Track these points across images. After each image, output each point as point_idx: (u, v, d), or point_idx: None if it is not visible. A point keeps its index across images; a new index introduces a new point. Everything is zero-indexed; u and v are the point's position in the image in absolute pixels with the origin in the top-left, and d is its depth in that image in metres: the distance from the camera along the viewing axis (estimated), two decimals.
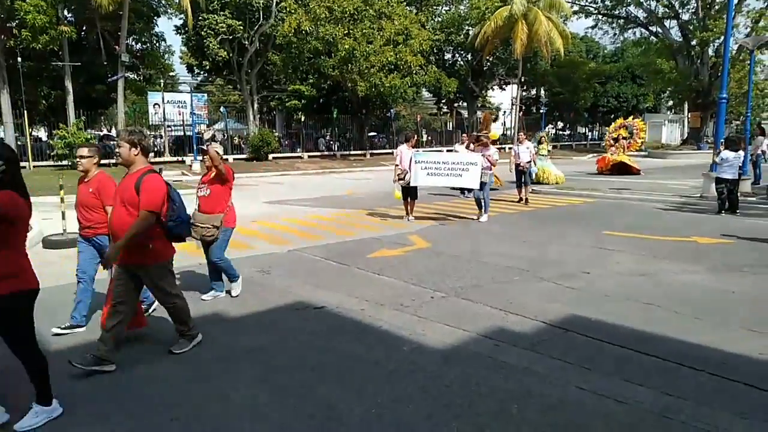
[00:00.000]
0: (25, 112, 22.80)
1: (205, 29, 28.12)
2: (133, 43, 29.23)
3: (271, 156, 28.83)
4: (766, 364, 4.05)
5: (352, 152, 33.17)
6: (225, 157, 28.55)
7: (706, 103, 34.57)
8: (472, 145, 13.70)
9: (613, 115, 27.99)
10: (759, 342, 4.44)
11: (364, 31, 26.36)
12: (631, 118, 22.66)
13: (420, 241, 8.75)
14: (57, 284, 6.21)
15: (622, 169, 20.30)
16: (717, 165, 11.63)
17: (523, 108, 44.33)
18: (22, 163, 22.36)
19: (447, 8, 37.94)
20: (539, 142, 17.51)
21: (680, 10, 35.48)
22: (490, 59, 38.43)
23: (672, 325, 4.85)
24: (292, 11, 26.81)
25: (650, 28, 37.84)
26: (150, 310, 5.29)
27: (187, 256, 7.67)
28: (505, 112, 49.10)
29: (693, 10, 34.64)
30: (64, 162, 22.71)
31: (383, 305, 5.50)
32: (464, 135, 18.36)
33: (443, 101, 42.70)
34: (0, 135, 23.79)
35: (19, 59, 22.86)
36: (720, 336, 4.58)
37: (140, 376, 3.98)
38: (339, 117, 33.66)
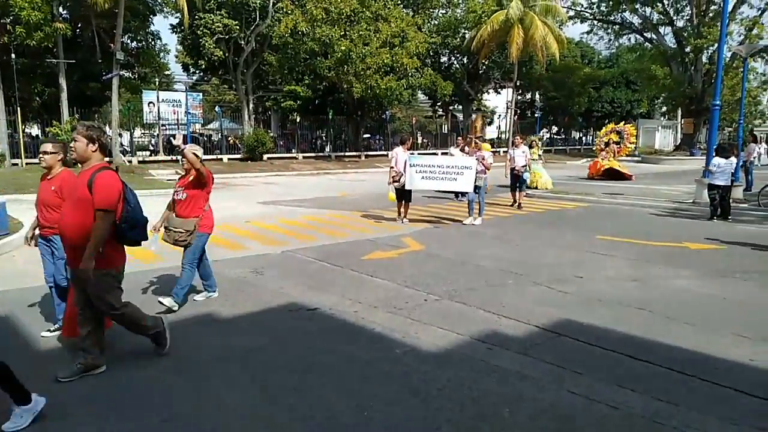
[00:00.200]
0: (19, 109, 22.61)
1: (201, 28, 28.05)
2: (129, 41, 29.11)
3: (265, 156, 28.79)
4: (756, 370, 4.08)
5: (347, 154, 33.16)
6: (220, 157, 28.60)
7: (700, 109, 34.84)
8: (467, 148, 13.73)
9: (607, 120, 28.15)
10: (749, 348, 4.47)
11: (360, 32, 26.39)
12: (622, 123, 22.78)
13: (414, 244, 8.75)
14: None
15: (613, 174, 20.40)
16: (709, 172, 11.72)
17: (518, 112, 44.54)
18: (15, 161, 22.26)
19: (443, 11, 38.03)
20: (530, 146, 17.56)
21: (675, 17, 35.77)
22: (486, 63, 38.56)
23: (663, 330, 4.87)
24: (289, 12, 26.82)
25: (645, 34, 38.12)
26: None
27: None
28: (500, 115, 49.28)
29: (687, 18, 34.92)
30: None
31: (377, 307, 5.49)
32: (459, 138, 18.40)
33: (439, 104, 42.80)
34: None
35: (13, 56, 22.69)
36: (711, 342, 4.61)
37: (132, 378, 3.96)
38: (334, 118, 33.66)
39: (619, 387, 3.78)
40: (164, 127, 29.84)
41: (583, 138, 52.80)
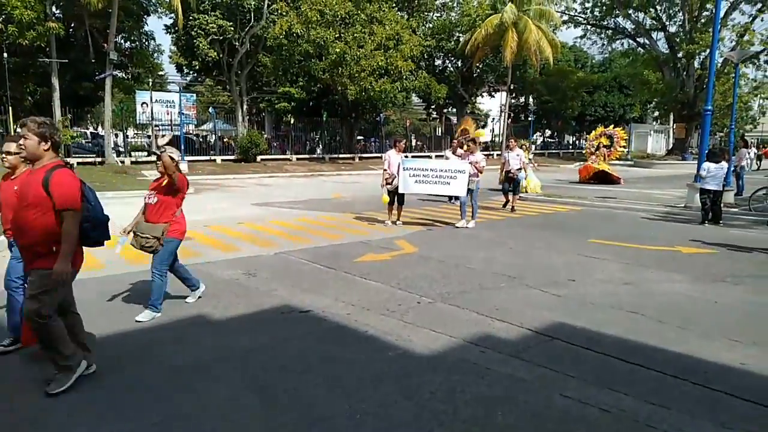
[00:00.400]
0: (10, 108, 22.44)
1: (195, 29, 27.97)
2: (122, 41, 28.97)
3: (259, 158, 28.72)
4: (747, 374, 4.10)
5: (341, 156, 33.14)
6: (213, 158, 28.47)
7: (691, 114, 35.09)
8: (459, 150, 13.75)
9: (600, 125, 28.28)
10: (741, 352, 4.49)
11: (355, 35, 26.41)
12: (611, 126, 22.89)
13: (407, 246, 8.75)
14: None
15: (603, 177, 20.47)
16: (699, 177, 11.80)
17: (512, 115, 44.71)
18: None
19: (438, 15, 38.13)
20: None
21: (667, 23, 36.04)
22: (480, 66, 38.69)
23: (656, 333, 4.88)
24: (284, 13, 26.79)
25: (638, 39, 38.37)
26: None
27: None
28: (493, 119, 49.42)
29: (680, 23, 35.19)
30: None
31: (369, 310, 5.48)
32: (454, 141, 18.43)
33: (433, 107, 42.90)
34: None
35: (5, 55, 22.54)
36: (702, 345, 4.63)
37: (121, 380, 3.93)
38: (329, 120, 33.65)
39: (611, 390, 3.78)
40: (157, 128, 29.72)
41: (577, 142, 53.05)
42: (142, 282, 6.39)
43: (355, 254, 8.07)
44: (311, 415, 3.44)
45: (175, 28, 28.94)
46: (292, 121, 33.83)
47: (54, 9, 24.52)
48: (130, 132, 33.28)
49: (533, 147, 27.75)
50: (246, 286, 6.38)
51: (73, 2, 23.53)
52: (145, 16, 29.11)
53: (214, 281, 6.52)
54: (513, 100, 45.81)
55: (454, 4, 37.61)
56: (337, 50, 25.68)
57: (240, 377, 3.98)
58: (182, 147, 24.59)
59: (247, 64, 31.59)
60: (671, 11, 36.03)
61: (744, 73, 35.41)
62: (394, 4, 30.58)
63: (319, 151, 33.43)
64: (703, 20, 33.15)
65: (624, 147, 23.14)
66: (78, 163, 23.74)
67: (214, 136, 32.48)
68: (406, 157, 13.06)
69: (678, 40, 34.76)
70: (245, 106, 32.90)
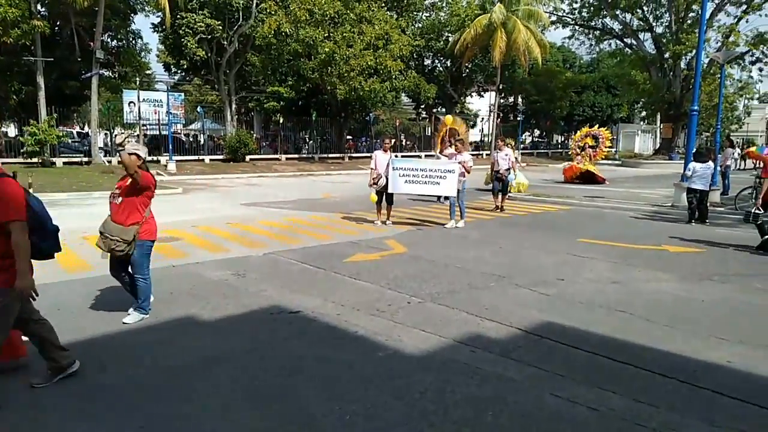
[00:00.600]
0: None
1: (183, 28, 27.77)
2: (109, 39, 28.72)
3: (248, 157, 28.59)
4: (734, 372, 4.14)
5: (331, 155, 33.07)
6: (202, 157, 28.26)
7: (678, 114, 35.46)
8: (447, 150, 13.75)
9: (588, 124, 28.48)
10: (727, 350, 4.53)
11: (344, 34, 26.37)
12: (597, 127, 23.03)
13: (397, 246, 8.74)
14: None
15: (588, 177, 20.57)
16: (685, 176, 11.91)
17: (501, 115, 44.87)
18: None
19: (427, 14, 38.17)
20: None
21: (654, 24, 36.39)
22: (469, 66, 38.80)
23: (644, 332, 4.92)
24: (272, 12, 26.67)
25: (625, 40, 38.71)
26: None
27: (162, 257, 7.53)
28: (483, 118, 49.59)
29: (666, 24, 35.55)
30: (35, 159, 22.19)
31: (359, 310, 5.46)
32: (447, 141, 18.43)
33: (422, 106, 42.95)
34: None
35: None
36: (690, 344, 4.66)
37: (109, 383, 3.88)
38: (318, 120, 33.56)
39: (600, 389, 3.80)
40: (145, 127, 29.48)
41: (565, 141, 53.38)
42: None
43: (344, 254, 8.05)
44: (300, 417, 3.42)
45: (163, 26, 28.73)
46: (281, 121, 33.71)
47: (39, 7, 24.26)
48: (117, 131, 32.96)
49: (519, 146, 27.90)
50: (235, 286, 6.34)
51: (58, 0, 23.26)
52: (132, 15, 28.90)
53: (203, 282, 6.47)
54: (502, 100, 46.00)
55: (443, 4, 37.67)
56: (327, 50, 25.62)
57: (228, 379, 3.94)
58: (170, 147, 24.44)
59: (236, 63, 31.44)
60: (658, 12, 36.40)
61: (729, 74, 35.83)
62: (383, 4, 30.58)
63: (305, 150, 33.36)
64: (689, 21, 33.51)
65: (609, 147, 23.27)
66: (64, 163, 23.53)
67: (202, 136, 32.28)
68: (396, 156, 13.03)
69: (665, 40, 35.11)
70: (234, 106, 32.75)
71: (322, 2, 25.68)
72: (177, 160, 24.78)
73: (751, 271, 7.43)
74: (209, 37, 28.29)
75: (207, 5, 28.28)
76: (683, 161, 14.80)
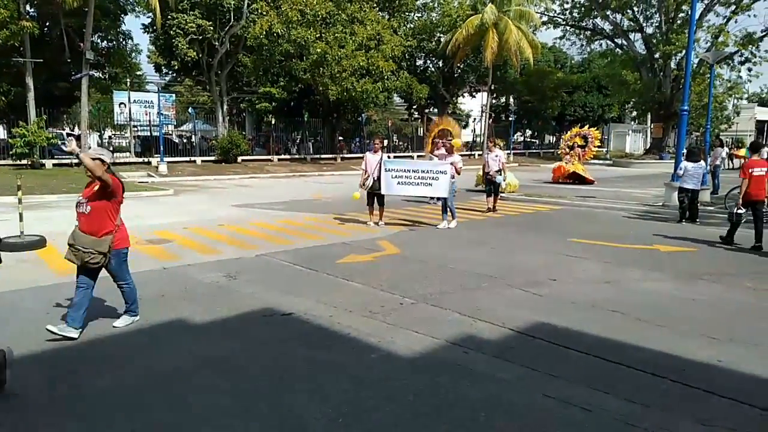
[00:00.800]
0: None
1: (173, 28, 27.60)
2: (99, 40, 28.50)
3: (240, 158, 28.49)
4: (725, 371, 4.16)
5: (323, 156, 33.02)
6: (193, 159, 28.11)
7: (668, 114, 35.68)
8: (437, 150, 13.77)
9: (579, 124, 28.62)
10: (718, 349, 4.56)
11: (336, 35, 26.34)
12: (586, 126, 23.12)
13: (390, 247, 8.73)
14: (9, 289, 5.98)
15: (577, 178, 20.63)
16: (677, 176, 11.98)
17: (493, 115, 45.00)
18: None
19: (419, 15, 38.20)
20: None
21: (644, 24, 36.61)
22: (461, 66, 38.87)
23: (636, 332, 4.93)
24: (264, 13, 26.57)
25: (616, 40, 38.91)
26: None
27: (154, 259, 7.49)
28: (475, 119, 49.70)
29: (656, 24, 35.76)
30: (24, 161, 21.99)
31: (352, 312, 5.45)
32: (439, 142, 18.44)
33: (414, 107, 42.97)
34: None
35: None
36: (681, 343, 4.68)
37: (100, 388, 3.84)
38: (310, 120, 33.49)
39: (593, 389, 3.81)
40: (136, 128, 29.32)
41: (557, 141, 53.58)
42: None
43: (337, 255, 8.03)
44: (292, 420, 3.40)
45: (153, 27, 28.55)
46: (273, 122, 33.62)
47: (28, 7, 24.04)
48: (108, 132, 32.76)
49: (511, 146, 27.89)
50: (227, 289, 6.30)
51: (47, 1, 23.08)
52: (122, 15, 28.69)
53: (195, 284, 6.43)
54: (494, 101, 46.12)
55: (435, 5, 37.73)
56: (318, 50, 25.58)
57: (219, 382, 3.91)
58: (161, 148, 24.31)
59: (227, 64, 31.30)
60: (648, 13, 36.61)
61: (719, 74, 36.08)
62: (375, 5, 30.56)
63: (294, 150, 33.34)
64: (679, 22, 33.73)
65: (598, 147, 23.34)
66: (54, 165, 23.33)
67: (194, 136, 32.14)
68: (389, 157, 13.01)
69: (655, 41, 35.33)
70: (225, 107, 32.59)
71: (313, 3, 25.63)
72: (168, 162, 24.65)
73: (741, 270, 7.48)
74: (200, 37, 28.14)
75: (198, 6, 28.13)
76: (674, 161, 14.89)
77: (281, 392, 3.76)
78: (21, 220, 8.50)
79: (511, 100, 49.32)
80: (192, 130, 33.58)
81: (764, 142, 39.14)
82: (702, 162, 11.94)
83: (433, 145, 16.09)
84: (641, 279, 6.89)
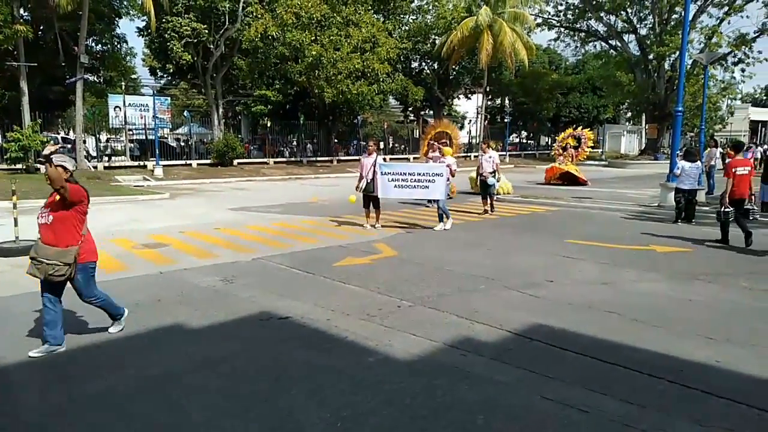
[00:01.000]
0: None
1: (168, 32, 27.59)
2: (93, 44, 28.45)
3: (236, 161, 28.45)
4: (722, 372, 4.17)
5: (319, 158, 33.02)
6: (189, 162, 28.04)
7: (663, 115, 35.84)
8: (433, 153, 13.78)
9: (574, 126, 28.75)
10: (715, 349, 4.57)
11: (331, 37, 26.36)
12: (579, 128, 23.19)
13: (386, 249, 8.73)
14: (4, 294, 5.95)
15: (570, 179, 20.66)
16: (674, 176, 12.02)
17: (488, 117, 45.08)
18: None
19: (414, 17, 38.30)
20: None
21: (638, 26, 36.76)
22: (456, 68, 38.97)
23: (632, 333, 4.94)
24: (259, 16, 26.59)
25: (610, 41, 39.05)
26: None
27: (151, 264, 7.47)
28: (470, 120, 49.81)
29: (650, 26, 35.91)
30: (19, 165, 21.90)
31: (349, 315, 5.44)
32: (435, 143, 18.46)
33: (410, 109, 43.06)
34: None
35: None
36: (678, 344, 4.69)
37: (95, 392, 3.83)
38: (306, 123, 33.50)
39: (591, 391, 3.81)
40: (131, 132, 29.23)
41: (553, 142, 53.70)
42: (117, 289, 6.26)
43: (334, 258, 8.03)
44: (290, 425, 3.39)
45: (148, 30, 28.52)
46: (268, 125, 33.62)
47: (22, 11, 23.98)
48: (103, 136, 32.66)
49: (507, 148, 27.87)
50: (224, 292, 6.29)
51: (41, 4, 23.04)
52: (117, 19, 28.67)
53: (191, 289, 6.42)
54: (489, 102, 46.23)
55: (430, 7, 37.82)
56: (314, 53, 25.59)
57: (217, 387, 3.90)
58: (157, 151, 24.24)
59: (222, 67, 31.30)
60: (642, 14, 36.75)
61: (713, 75, 36.31)
62: (369, 7, 30.62)
63: (287, 153, 33.37)
64: (672, 23, 33.88)
65: (593, 148, 23.42)
66: None
67: (191, 139, 32.10)
68: (384, 160, 13.04)
69: (648, 42, 35.48)
70: (221, 110, 32.58)
71: (308, 6, 25.66)
72: (164, 165, 24.60)
73: (737, 270, 7.50)
74: (195, 41, 28.14)
75: (193, 9, 28.12)
76: (668, 161, 14.94)
77: (279, 396, 3.75)
78: (16, 225, 8.47)
79: (507, 101, 49.45)
80: (188, 133, 33.46)
81: (759, 142, 39.25)
82: (698, 162, 11.99)
83: (428, 147, 16.13)
84: (637, 280, 6.91)
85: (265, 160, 30.94)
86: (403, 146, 40.85)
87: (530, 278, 6.89)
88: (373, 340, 4.75)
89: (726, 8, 32.68)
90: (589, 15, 37.56)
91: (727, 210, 9.07)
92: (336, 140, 37.10)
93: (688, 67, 31.62)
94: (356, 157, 31.95)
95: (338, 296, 6.12)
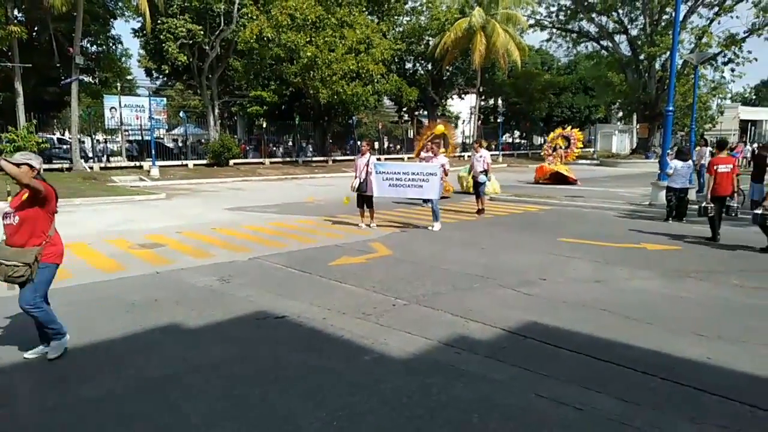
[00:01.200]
0: None
1: (164, 33, 27.55)
2: (88, 45, 28.39)
3: (232, 161, 28.44)
4: (714, 369, 4.23)
5: (314, 159, 33.04)
6: (185, 162, 28.01)
7: (654, 114, 36.09)
8: (424, 153, 13.88)
9: (566, 125, 28.97)
10: (707, 346, 4.63)
11: (326, 39, 26.39)
12: (569, 128, 23.33)
13: (382, 249, 8.78)
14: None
15: (559, 178, 20.78)
16: (666, 175, 12.13)
17: (482, 117, 45.24)
18: None
19: (408, 18, 38.39)
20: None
21: (629, 26, 37.00)
22: (450, 69, 39.09)
23: (625, 331, 5.00)
24: (254, 17, 26.61)
25: (601, 42, 39.28)
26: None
27: (146, 264, 7.49)
28: (464, 120, 49.93)
29: (641, 27, 36.15)
30: None
31: (345, 314, 5.49)
32: (430, 143, 18.50)
33: (404, 109, 43.13)
34: None
35: None
36: (670, 341, 4.75)
37: (91, 395, 3.85)
38: (301, 123, 33.51)
39: (585, 388, 3.86)
40: (127, 133, 29.17)
41: (545, 142, 53.90)
42: (114, 289, 6.28)
43: (329, 258, 8.06)
44: (286, 425, 3.43)
45: (144, 31, 28.47)
46: (264, 125, 33.62)
47: (16, 12, 23.89)
48: (100, 137, 32.57)
49: (500, 147, 27.96)
50: (220, 292, 6.32)
51: (36, 5, 22.94)
52: (112, 20, 28.62)
53: (188, 288, 6.44)
54: (482, 102, 46.37)
55: (424, 9, 37.92)
56: (309, 54, 25.63)
57: (214, 387, 3.93)
58: (153, 152, 24.20)
59: (218, 68, 31.27)
60: (633, 15, 36.99)
61: (703, 75, 36.53)
62: (364, 9, 30.68)
63: (280, 153, 33.40)
64: (663, 23, 34.12)
65: (584, 147, 23.58)
66: (45, 170, 23.13)
67: (187, 140, 32.07)
68: (379, 159, 13.10)
69: (639, 42, 35.71)
70: (217, 110, 32.53)
71: (303, 7, 25.67)
72: (160, 165, 24.56)
73: (728, 267, 7.59)
74: (191, 42, 28.10)
75: (188, 10, 28.09)
76: (658, 160, 15.06)
77: (275, 395, 3.79)
78: None
79: (500, 101, 49.63)
80: (184, 134, 33.40)
81: (746, 141, 39.42)
82: (690, 161, 12.12)
83: (424, 148, 16.19)
84: (630, 277, 6.98)
85: (261, 160, 30.94)
86: (397, 146, 40.95)
87: (524, 276, 6.95)
88: (369, 339, 4.80)
89: (716, 9, 32.95)
90: (581, 16, 37.77)
91: (707, 206, 9.23)
92: (331, 140, 37.11)
93: (679, 67, 31.82)
94: (352, 158, 32.00)
95: (334, 295, 6.16)
